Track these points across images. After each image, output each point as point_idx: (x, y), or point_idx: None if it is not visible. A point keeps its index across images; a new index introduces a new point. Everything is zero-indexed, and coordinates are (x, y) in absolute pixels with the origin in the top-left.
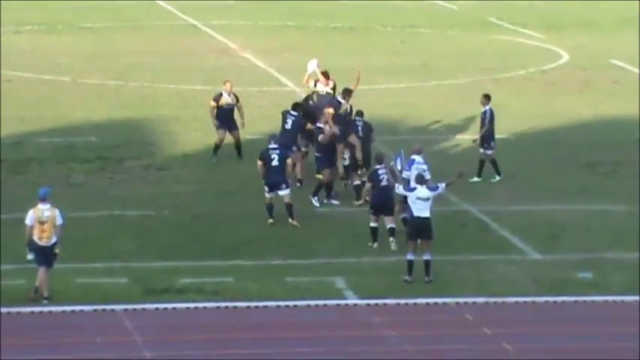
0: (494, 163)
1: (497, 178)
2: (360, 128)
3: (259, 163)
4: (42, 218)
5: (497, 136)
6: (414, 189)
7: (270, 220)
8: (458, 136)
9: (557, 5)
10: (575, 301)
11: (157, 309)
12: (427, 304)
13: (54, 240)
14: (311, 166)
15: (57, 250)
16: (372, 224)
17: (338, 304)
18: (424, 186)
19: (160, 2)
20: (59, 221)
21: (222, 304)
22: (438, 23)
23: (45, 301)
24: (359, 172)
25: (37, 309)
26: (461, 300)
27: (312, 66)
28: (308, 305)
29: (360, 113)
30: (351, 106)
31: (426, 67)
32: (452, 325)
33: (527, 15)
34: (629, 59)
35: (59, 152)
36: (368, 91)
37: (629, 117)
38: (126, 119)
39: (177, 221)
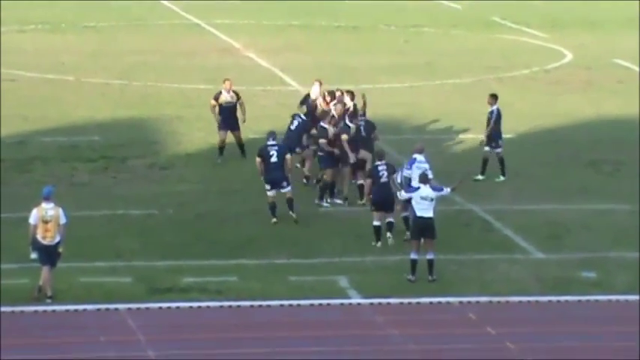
0: (501, 162)
1: (502, 178)
2: (362, 127)
3: (258, 159)
4: (46, 217)
5: None
6: (417, 188)
7: (274, 220)
8: (461, 136)
9: (560, 5)
10: (579, 301)
11: (160, 308)
12: (430, 303)
13: (58, 239)
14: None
15: (60, 249)
16: (376, 223)
17: (341, 304)
18: (427, 185)
19: (164, 1)
20: (63, 220)
21: (226, 304)
22: (441, 22)
23: (48, 300)
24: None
25: (40, 308)
26: (464, 299)
27: (315, 90)
28: (311, 304)
29: (361, 113)
30: (354, 105)
31: (429, 67)
32: (455, 324)
33: (531, 14)
34: (632, 59)
35: (63, 151)
36: (371, 90)
37: (633, 116)
38: (129, 118)
39: (180, 220)
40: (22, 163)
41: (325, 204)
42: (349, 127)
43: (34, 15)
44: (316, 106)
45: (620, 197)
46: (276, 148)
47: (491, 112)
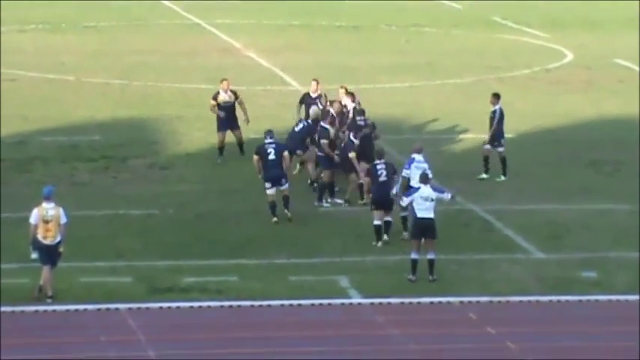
0: (503, 161)
1: (503, 178)
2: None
3: (255, 157)
4: (46, 217)
5: None
6: (417, 189)
7: (275, 219)
8: (462, 136)
9: (561, 4)
10: (579, 300)
11: (160, 308)
12: (431, 303)
13: (58, 239)
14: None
15: (61, 249)
16: (376, 222)
17: (342, 303)
18: (428, 185)
19: (164, 1)
20: (63, 220)
21: (226, 303)
22: (442, 22)
23: (49, 300)
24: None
25: (41, 308)
26: (465, 299)
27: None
28: (312, 304)
29: (361, 112)
30: (354, 108)
31: (430, 66)
32: (456, 324)
33: (532, 14)
34: (633, 58)
35: (63, 151)
36: (372, 90)
37: (633, 116)
38: (130, 118)
39: (181, 220)
40: (22, 163)
41: (325, 204)
42: (353, 142)
43: (35, 15)
44: (341, 110)
45: (620, 197)
46: (273, 145)
47: (494, 112)
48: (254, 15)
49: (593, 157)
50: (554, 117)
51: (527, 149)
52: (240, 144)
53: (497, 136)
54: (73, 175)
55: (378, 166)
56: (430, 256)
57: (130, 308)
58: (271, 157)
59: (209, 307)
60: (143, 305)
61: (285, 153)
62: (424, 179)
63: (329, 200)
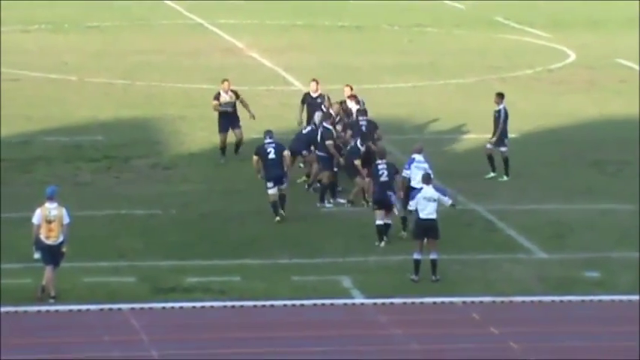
0: (506, 162)
1: (505, 178)
2: (364, 127)
3: (255, 158)
4: (49, 217)
5: None
6: (420, 189)
7: (277, 218)
8: (464, 135)
9: (563, 4)
10: (582, 301)
11: (163, 308)
12: (434, 303)
13: (61, 239)
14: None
15: (64, 249)
16: (378, 222)
17: (345, 304)
18: (430, 185)
19: (167, 1)
20: (66, 220)
21: (229, 303)
22: (445, 22)
23: (52, 300)
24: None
25: (43, 308)
26: (467, 299)
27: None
28: (314, 304)
29: (363, 112)
30: (358, 110)
31: (433, 66)
32: (458, 324)
33: (534, 14)
34: (635, 58)
35: (66, 151)
36: (375, 90)
37: (635, 116)
38: (133, 118)
39: (183, 220)
40: (25, 163)
41: (328, 204)
42: (359, 149)
43: (38, 15)
44: (346, 110)
45: (623, 197)
46: (273, 145)
47: (499, 112)
48: (257, 15)
49: (596, 157)
50: (557, 117)
51: (530, 149)
52: (238, 144)
53: (501, 136)
54: (75, 175)
55: (380, 166)
56: (433, 256)
57: (132, 308)
58: (271, 156)
59: (212, 307)
60: (146, 305)
61: (285, 152)
62: (427, 180)
63: (331, 201)
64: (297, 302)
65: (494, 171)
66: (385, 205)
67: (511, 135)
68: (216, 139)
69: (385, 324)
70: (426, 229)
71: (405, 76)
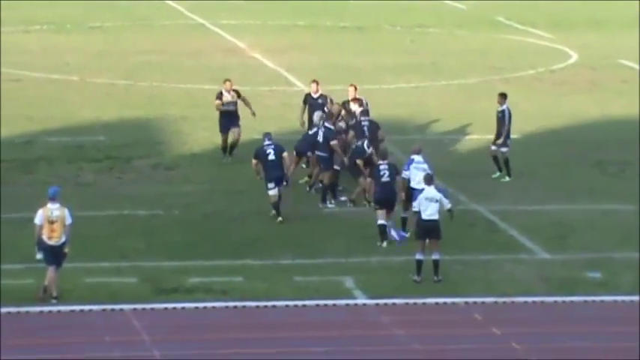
0: (506, 162)
1: (507, 178)
2: (366, 128)
3: (254, 161)
4: (51, 217)
5: None
6: (421, 190)
7: (279, 218)
8: (466, 136)
9: (565, 5)
10: (584, 301)
11: (165, 308)
12: (436, 303)
13: (63, 239)
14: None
15: (66, 250)
16: (380, 221)
17: (347, 304)
18: (432, 186)
19: (169, 2)
20: (68, 220)
21: (231, 304)
22: (446, 23)
23: (54, 301)
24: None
25: (45, 308)
26: (470, 299)
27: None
28: (317, 305)
29: (365, 112)
30: (361, 111)
31: (434, 67)
32: (461, 324)
33: (536, 15)
34: (637, 59)
35: (68, 152)
36: (377, 90)
37: (637, 116)
38: (135, 119)
39: (186, 220)
40: (27, 164)
41: (330, 205)
42: (365, 150)
43: (39, 15)
44: (349, 111)
45: (625, 197)
46: (272, 147)
47: (502, 112)
48: (259, 15)
49: (598, 157)
50: (559, 117)
51: (532, 150)
52: (233, 145)
53: (504, 136)
54: (77, 175)
55: (381, 167)
56: (435, 256)
57: (134, 309)
58: (271, 157)
59: (214, 307)
60: (148, 306)
61: (285, 154)
62: (429, 180)
63: (333, 201)
64: (299, 303)
65: (500, 170)
66: (387, 205)
67: (513, 135)
68: (218, 139)
69: (387, 324)
70: (428, 230)
71: (407, 76)
